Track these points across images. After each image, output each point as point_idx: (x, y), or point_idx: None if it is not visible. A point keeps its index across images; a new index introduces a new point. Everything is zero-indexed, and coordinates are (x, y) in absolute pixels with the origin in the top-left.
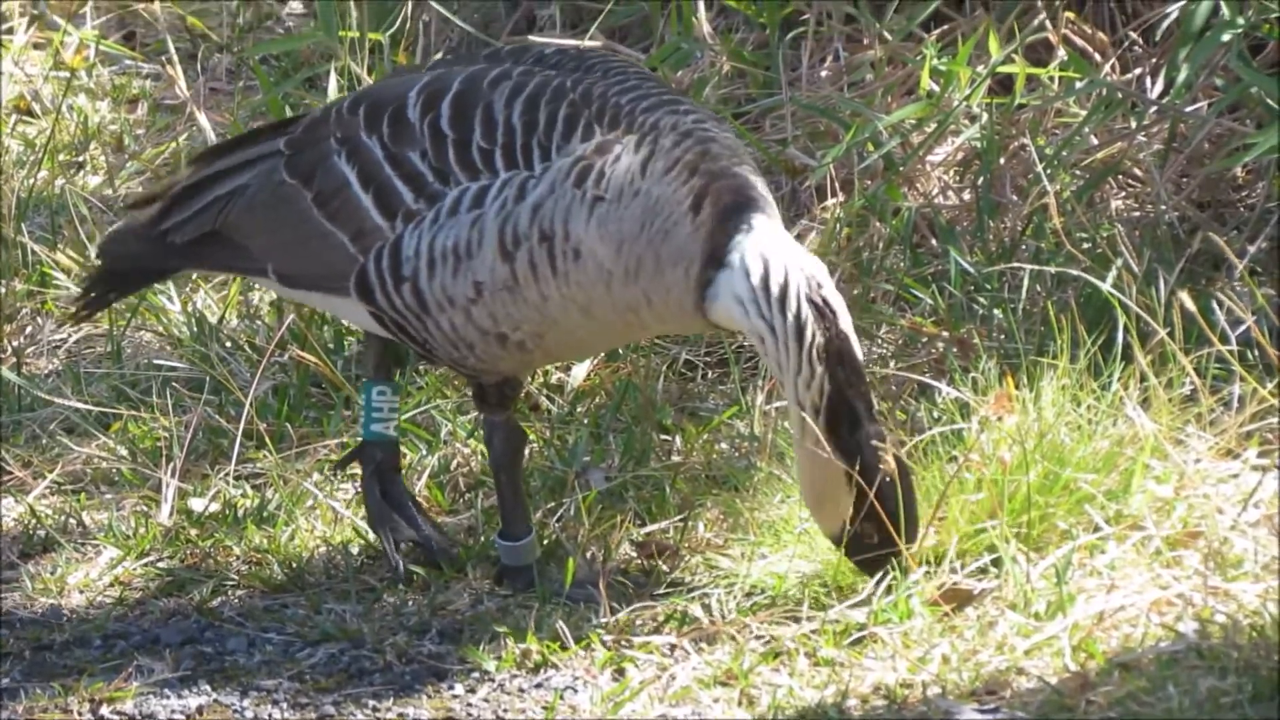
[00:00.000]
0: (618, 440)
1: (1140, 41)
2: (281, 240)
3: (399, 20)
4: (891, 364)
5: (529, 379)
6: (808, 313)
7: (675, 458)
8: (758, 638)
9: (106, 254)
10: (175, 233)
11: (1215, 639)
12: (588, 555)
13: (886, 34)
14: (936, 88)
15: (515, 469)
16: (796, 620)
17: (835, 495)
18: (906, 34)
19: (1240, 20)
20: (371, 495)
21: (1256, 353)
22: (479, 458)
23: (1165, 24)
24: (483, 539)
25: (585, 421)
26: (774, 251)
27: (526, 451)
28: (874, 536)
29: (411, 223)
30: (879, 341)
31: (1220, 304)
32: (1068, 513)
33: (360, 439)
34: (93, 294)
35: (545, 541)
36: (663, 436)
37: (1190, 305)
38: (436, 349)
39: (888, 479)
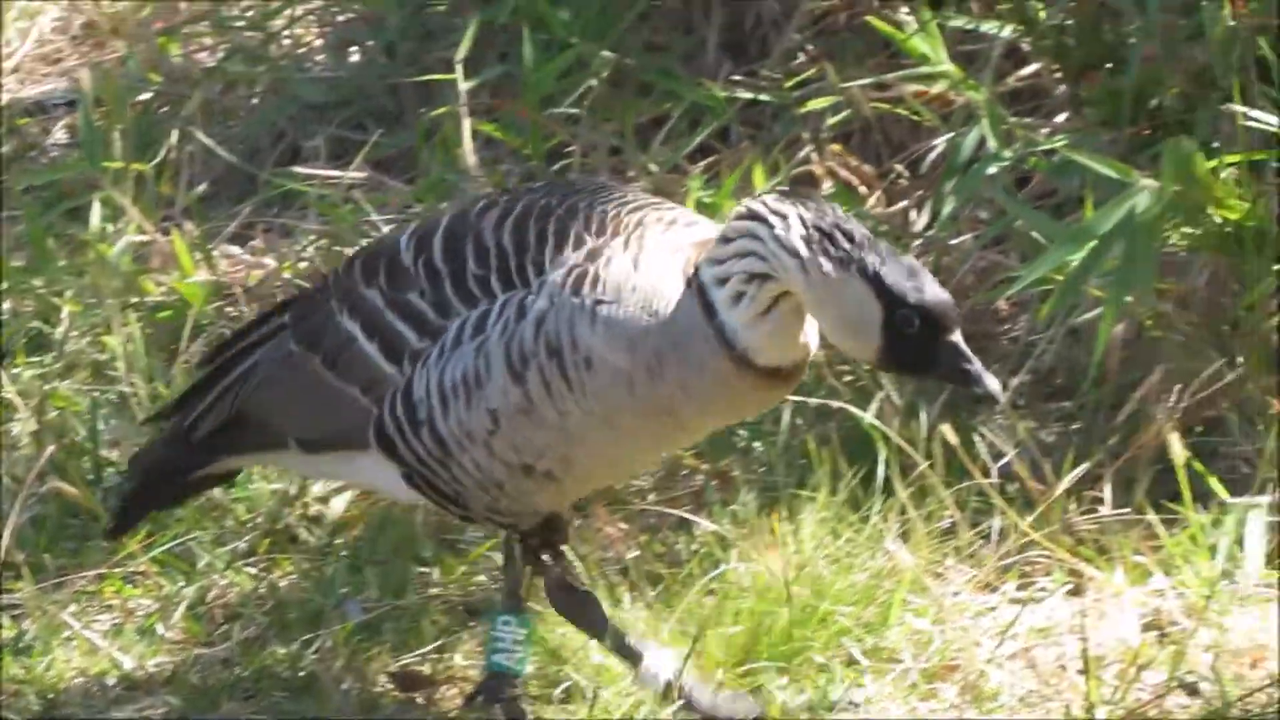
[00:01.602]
0: (375, 572)
1: (906, 174)
2: (298, 409)
3: (163, 151)
4: (650, 497)
5: (569, 521)
6: (755, 206)
7: (433, 589)
8: None
9: (135, 468)
10: (197, 427)
11: None
12: (344, 688)
13: (652, 165)
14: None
15: (593, 617)
16: None
17: (859, 306)
18: (672, 165)
19: (1006, 153)
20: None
21: (1016, 486)
22: (237, 589)
23: (931, 156)
24: (238, 671)
25: (344, 553)
26: (713, 247)
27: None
28: (913, 320)
29: (418, 363)
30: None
31: (982, 437)
32: (825, 645)
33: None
34: (125, 511)
35: (300, 674)
36: (420, 569)
37: (952, 438)
38: (469, 499)
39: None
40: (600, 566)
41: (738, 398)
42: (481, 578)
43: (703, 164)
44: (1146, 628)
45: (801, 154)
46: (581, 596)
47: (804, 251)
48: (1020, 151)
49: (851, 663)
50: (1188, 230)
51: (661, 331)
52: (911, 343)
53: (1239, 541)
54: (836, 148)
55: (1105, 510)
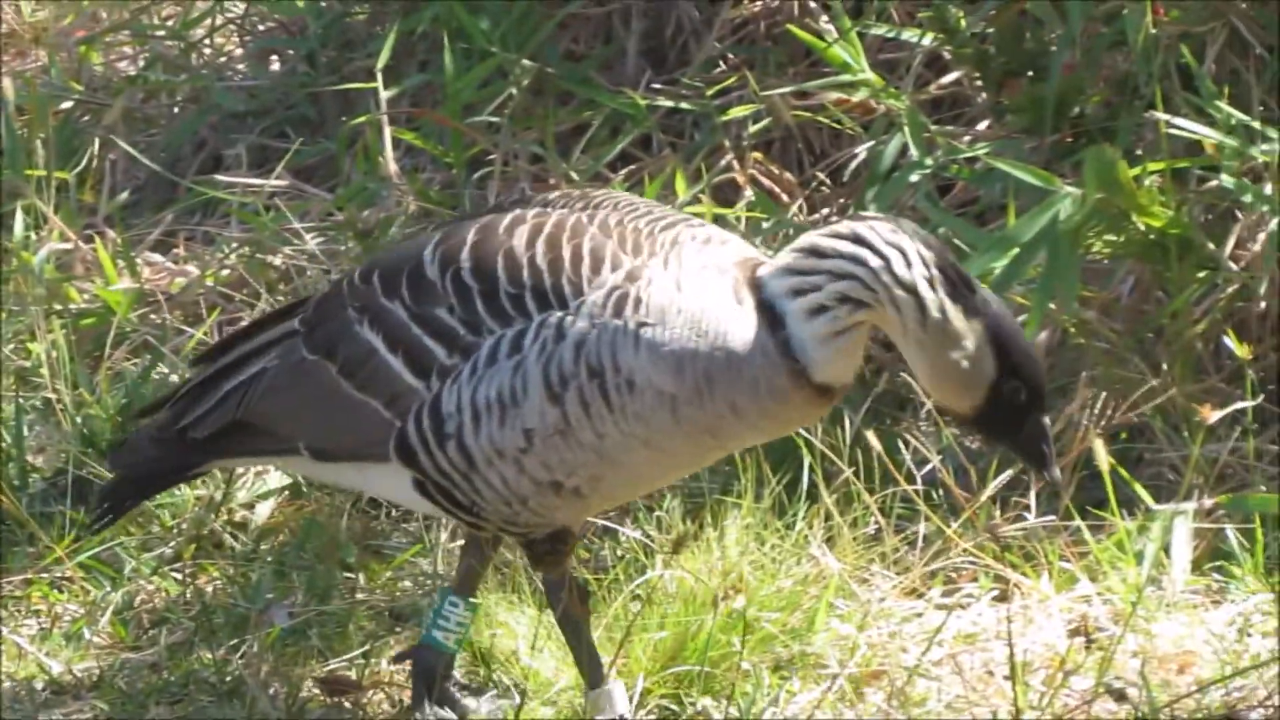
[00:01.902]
0: (301, 578)
1: (828, 181)
2: (311, 417)
3: (85, 159)
4: None
5: (578, 528)
6: (864, 232)
7: (359, 595)
8: None
9: (121, 463)
10: (195, 429)
11: None
12: (270, 693)
13: (573, 173)
14: None
15: (583, 625)
16: None
17: (980, 358)
18: (594, 174)
19: (928, 161)
20: (417, 693)
21: (941, 492)
22: (163, 594)
23: (853, 164)
24: (164, 675)
25: (269, 559)
26: (787, 260)
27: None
28: (1021, 393)
29: (448, 378)
30: None
31: (906, 443)
32: (751, 651)
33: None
34: (109, 505)
35: (227, 679)
36: (346, 574)
37: (876, 444)
38: (486, 509)
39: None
40: (527, 574)
41: (785, 413)
42: (407, 583)
43: (624, 172)
44: (1073, 634)
45: (723, 162)
46: (581, 597)
47: (926, 293)
48: (942, 159)
49: (778, 669)
50: (1111, 238)
51: (712, 352)
52: (1009, 411)
53: (1165, 548)
54: (758, 156)
55: (1031, 517)
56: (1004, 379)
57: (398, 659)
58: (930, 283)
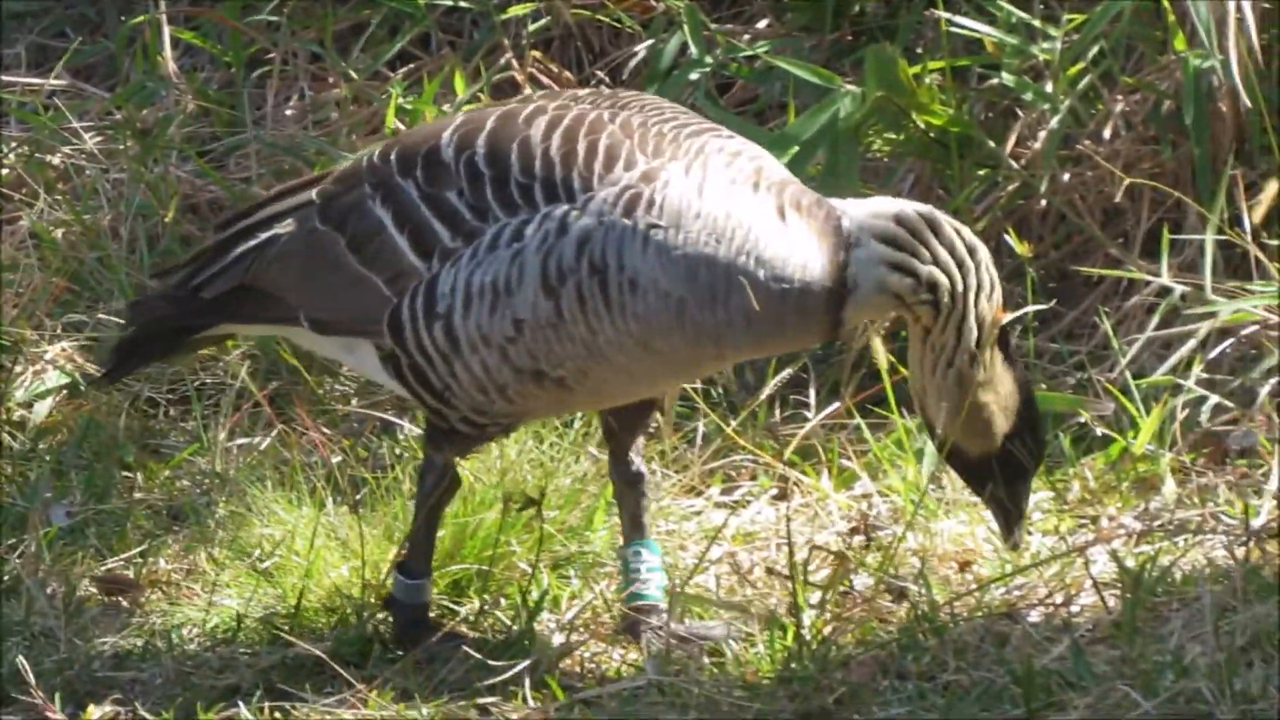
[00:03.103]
0: (79, 477)
1: (608, 80)
2: (315, 287)
3: None
4: (354, 401)
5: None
6: (968, 236)
7: (137, 494)
8: (216, 671)
9: (135, 317)
10: (206, 288)
11: (675, 675)
12: (48, 591)
13: (352, 73)
14: (403, 126)
15: (436, 512)
16: (257, 656)
17: (1009, 408)
18: (372, 73)
19: (708, 59)
20: (649, 655)
21: (720, 390)
22: None
23: (633, 63)
24: None
25: (47, 458)
26: (894, 208)
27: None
28: (1027, 452)
29: (448, 261)
30: (341, 380)
31: None
32: (530, 549)
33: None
34: (120, 358)
35: (5, 578)
36: (124, 473)
37: None
38: (457, 395)
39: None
40: (305, 471)
41: (794, 333)
42: (185, 482)
43: (403, 71)
44: (853, 532)
45: (502, 60)
46: (451, 488)
47: (990, 331)
48: (722, 57)
49: (557, 567)
50: (891, 136)
51: (736, 259)
52: (1006, 467)
53: None
54: (537, 54)
55: (811, 415)
56: (1017, 435)
57: (626, 633)
58: (980, 324)
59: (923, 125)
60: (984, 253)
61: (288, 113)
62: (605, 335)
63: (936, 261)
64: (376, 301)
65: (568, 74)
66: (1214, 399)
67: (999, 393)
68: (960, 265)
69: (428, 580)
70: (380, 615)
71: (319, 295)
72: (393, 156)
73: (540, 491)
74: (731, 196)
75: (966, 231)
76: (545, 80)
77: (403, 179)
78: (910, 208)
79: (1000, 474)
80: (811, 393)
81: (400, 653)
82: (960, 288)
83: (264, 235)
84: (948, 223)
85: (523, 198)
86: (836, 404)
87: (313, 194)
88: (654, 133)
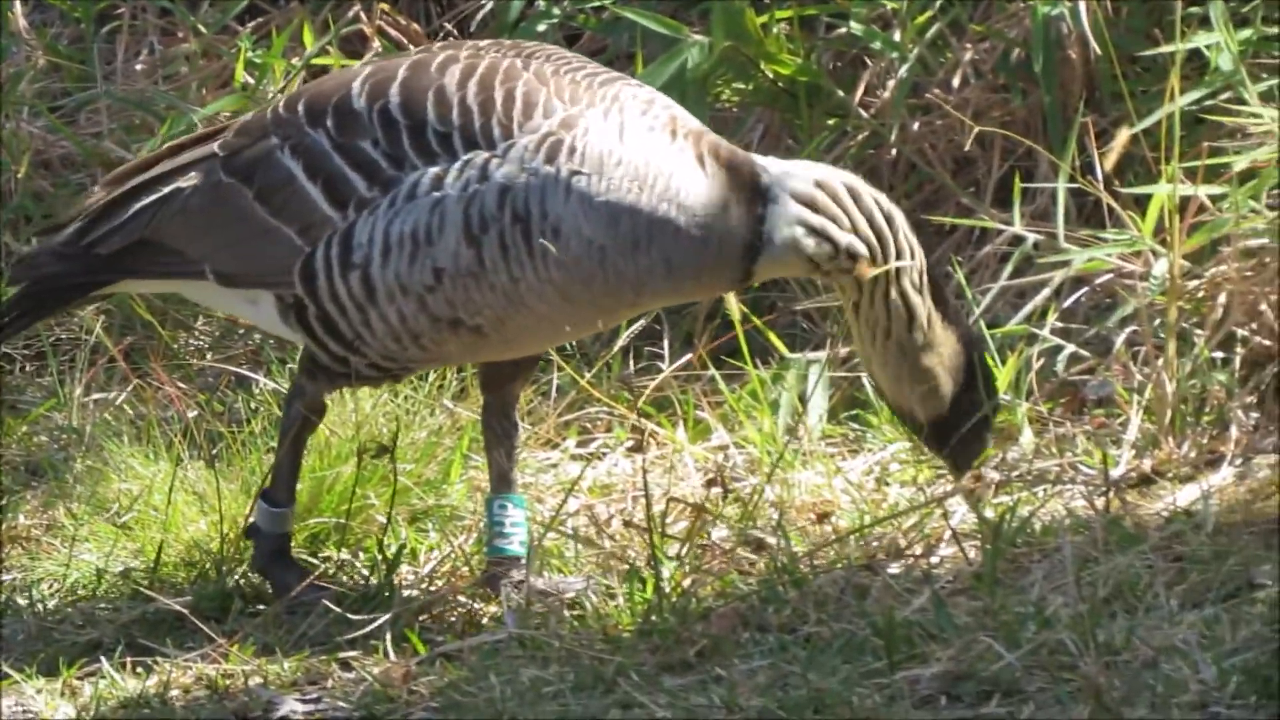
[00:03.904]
0: None
1: (456, 33)
2: (221, 240)
3: None
4: (209, 356)
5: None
6: (886, 204)
7: None
8: (78, 627)
9: (23, 276)
10: (101, 244)
11: (536, 629)
12: None
13: (201, 27)
14: (252, 80)
15: (301, 440)
16: (117, 611)
17: (954, 367)
18: (221, 27)
19: (555, 10)
20: (508, 606)
21: (574, 342)
22: None
23: (481, 14)
24: None
25: None
26: (814, 173)
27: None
28: (979, 407)
29: (365, 210)
30: (196, 334)
31: None
32: (386, 503)
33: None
34: (13, 317)
35: None
36: None
37: None
38: (368, 343)
39: (979, 340)
40: (162, 426)
41: (710, 280)
42: (43, 438)
43: (252, 25)
44: (710, 484)
45: (350, 13)
46: (317, 417)
47: (915, 299)
48: (569, 8)
49: (415, 520)
50: (740, 85)
51: (658, 205)
52: (961, 423)
53: (800, 397)
54: (385, 6)
55: (665, 366)
56: (967, 391)
57: (487, 586)
58: (919, 289)
59: (771, 75)
60: (901, 219)
61: (138, 68)
62: (527, 283)
63: (856, 231)
64: (287, 252)
65: (416, 26)
66: (1070, 348)
67: (941, 355)
68: (879, 236)
69: (290, 509)
70: (240, 570)
71: (225, 248)
72: (300, 108)
73: (393, 439)
74: (651, 144)
75: (884, 199)
76: (394, 33)
77: (312, 129)
78: (833, 174)
79: (955, 433)
80: (665, 344)
81: (261, 606)
82: (880, 259)
83: (165, 189)
84: (868, 192)
85: (441, 146)
86: (689, 355)
87: (214, 147)
88: (568, 80)
